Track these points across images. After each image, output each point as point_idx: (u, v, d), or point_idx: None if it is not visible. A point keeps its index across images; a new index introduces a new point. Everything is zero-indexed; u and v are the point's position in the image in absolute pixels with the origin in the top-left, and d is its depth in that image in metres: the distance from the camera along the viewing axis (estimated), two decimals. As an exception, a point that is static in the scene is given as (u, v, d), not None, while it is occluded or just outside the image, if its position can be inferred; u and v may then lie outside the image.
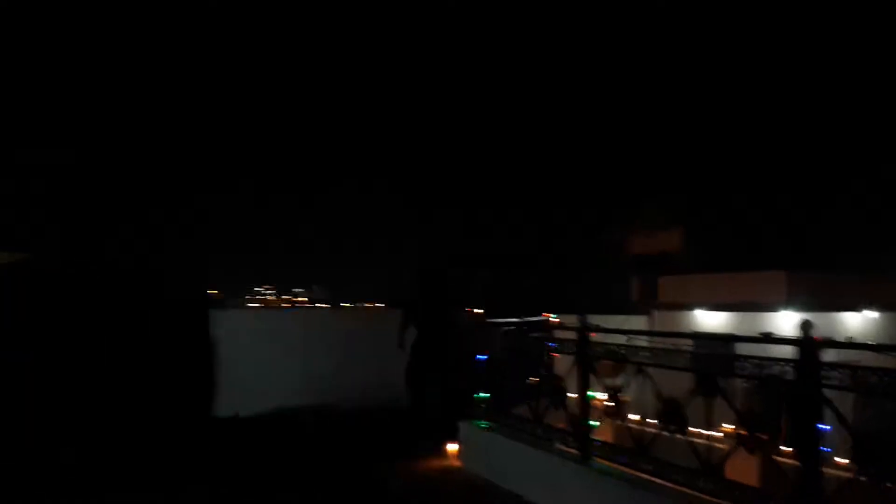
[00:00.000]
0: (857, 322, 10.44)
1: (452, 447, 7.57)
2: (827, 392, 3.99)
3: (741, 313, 10.61)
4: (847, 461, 4.82)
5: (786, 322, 9.72)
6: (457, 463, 7.41)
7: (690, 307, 11.46)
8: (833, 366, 3.89)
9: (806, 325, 4.08)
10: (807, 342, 4.05)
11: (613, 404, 5.65)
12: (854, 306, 10.26)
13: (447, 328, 8.88)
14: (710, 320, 11.17)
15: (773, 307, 10.06)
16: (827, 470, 4.31)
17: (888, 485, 3.70)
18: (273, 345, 10.91)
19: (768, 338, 4.83)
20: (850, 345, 4.41)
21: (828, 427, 4.21)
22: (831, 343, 4.28)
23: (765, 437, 4.49)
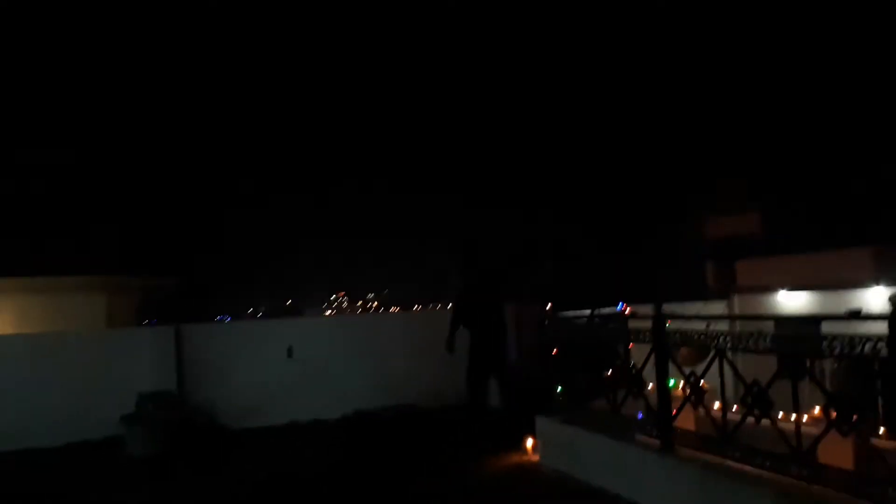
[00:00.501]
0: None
1: (529, 442, 7.51)
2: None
3: (826, 293, 10.10)
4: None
5: (875, 298, 9.20)
6: (534, 458, 7.34)
7: (772, 290, 11.00)
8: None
9: (894, 299, 3.86)
10: (898, 316, 3.84)
11: (694, 392, 5.47)
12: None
13: (504, 324, 8.71)
14: (793, 302, 10.69)
15: (861, 284, 9.53)
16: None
17: None
18: (350, 349, 11.10)
19: (856, 315, 4.60)
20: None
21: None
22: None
23: (857, 417, 4.25)
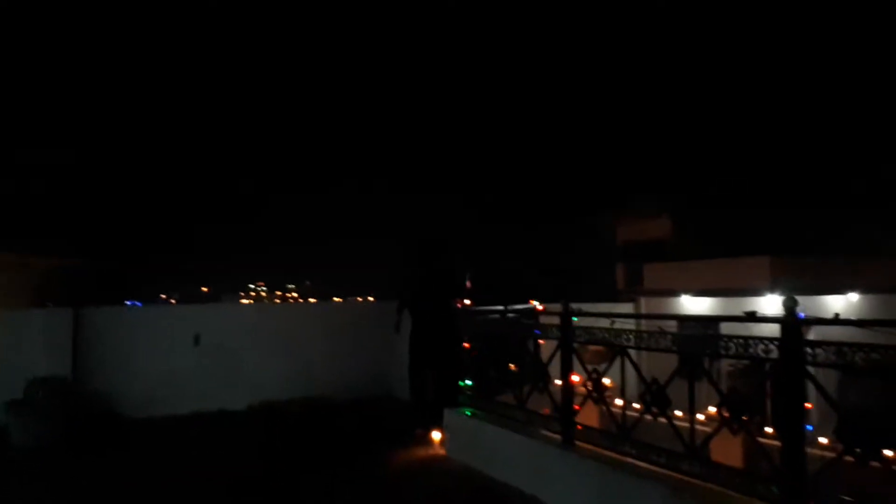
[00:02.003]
0: (842, 304, 10.45)
1: (437, 435, 7.51)
2: (811, 371, 3.94)
3: (727, 298, 10.57)
4: (829, 440, 4.79)
5: (771, 306, 9.69)
6: (442, 451, 7.35)
7: (676, 293, 11.42)
8: (817, 343, 3.83)
9: (788, 303, 4.02)
10: (789, 320, 4.00)
11: (596, 388, 5.59)
12: (839, 289, 10.25)
13: (446, 318, 8.74)
14: (695, 306, 11.14)
15: (758, 292, 10.02)
16: (810, 449, 4.27)
17: (873, 463, 3.66)
18: (263, 338, 10.85)
19: (752, 316, 4.79)
20: (835, 321, 4.36)
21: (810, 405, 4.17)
22: (815, 320, 4.22)
23: (748, 417, 4.43)
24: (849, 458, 3.70)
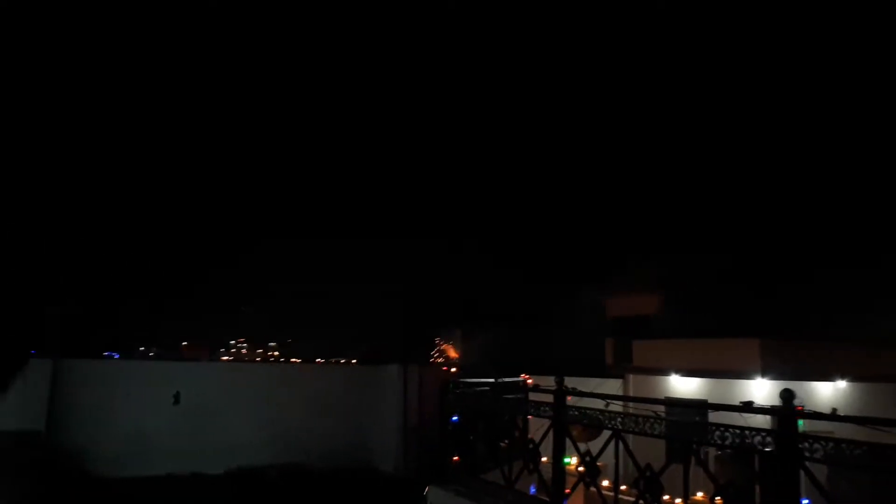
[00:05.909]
0: (829, 392, 10.39)
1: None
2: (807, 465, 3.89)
3: (715, 380, 10.51)
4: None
5: (759, 390, 9.63)
6: (425, 529, 7.12)
7: (665, 372, 11.35)
8: (816, 438, 3.80)
9: (786, 395, 4.00)
10: (787, 413, 3.97)
11: (589, 471, 5.47)
12: (827, 376, 10.22)
13: None
14: (684, 386, 11.06)
15: (747, 374, 9.98)
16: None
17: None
18: (242, 398, 10.64)
19: (749, 406, 4.75)
20: (833, 417, 4.33)
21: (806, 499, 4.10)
22: (813, 414, 4.20)
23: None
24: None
